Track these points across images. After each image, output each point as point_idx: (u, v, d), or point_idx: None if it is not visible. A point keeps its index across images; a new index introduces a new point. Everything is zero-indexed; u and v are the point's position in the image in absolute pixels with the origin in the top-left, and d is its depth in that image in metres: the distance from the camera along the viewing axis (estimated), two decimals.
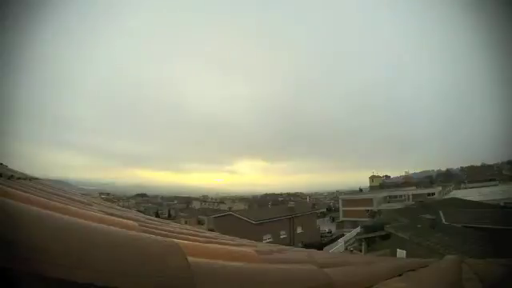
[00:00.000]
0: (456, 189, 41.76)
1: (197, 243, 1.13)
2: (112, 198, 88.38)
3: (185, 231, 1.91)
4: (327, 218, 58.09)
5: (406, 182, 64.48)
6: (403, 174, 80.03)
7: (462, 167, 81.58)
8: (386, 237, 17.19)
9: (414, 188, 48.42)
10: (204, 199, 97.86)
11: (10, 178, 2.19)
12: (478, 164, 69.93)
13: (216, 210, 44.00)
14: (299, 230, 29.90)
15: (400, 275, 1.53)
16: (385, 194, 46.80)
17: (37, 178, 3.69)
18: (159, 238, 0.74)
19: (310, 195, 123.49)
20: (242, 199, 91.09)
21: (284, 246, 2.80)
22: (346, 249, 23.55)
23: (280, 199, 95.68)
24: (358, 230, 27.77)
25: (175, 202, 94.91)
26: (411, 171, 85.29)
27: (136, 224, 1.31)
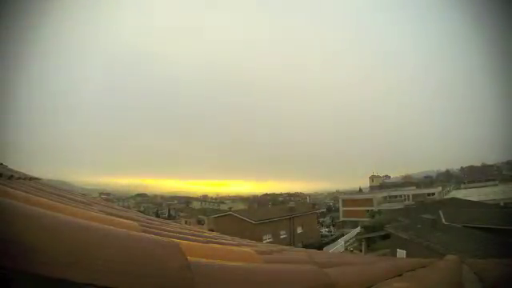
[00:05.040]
0: (456, 189, 41.79)
1: (197, 243, 1.13)
2: (112, 198, 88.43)
3: (185, 231, 1.91)
4: (327, 218, 57.70)
5: (406, 182, 64.48)
6: (403, 174, 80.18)
7: (462, 167, 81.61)
8: (386, 237, 17.20)
9: (413, 188, 48.43)
10: (204, 199, 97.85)
11: (10, 178, 2.19)
12: (478, 164, 69.94)
13: (216, 210, 43.97)
14: (299, 230, 29.88)
15: (400, 275, 1.53)
16: (385, 194, 46.80)
17: (37, 178, 3.68)
18: (159, 238, 0.74)
19: (310, 195, 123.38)
20: (241, 199, 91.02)
21: (284, 246, 2.80)
22: (346, 249, 23.56)
23: (280, 199, 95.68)
24: (358, 229, 27.79)
25: (175, 201, 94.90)
26: (411, 171, 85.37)
27: (136, 224, 1.31)
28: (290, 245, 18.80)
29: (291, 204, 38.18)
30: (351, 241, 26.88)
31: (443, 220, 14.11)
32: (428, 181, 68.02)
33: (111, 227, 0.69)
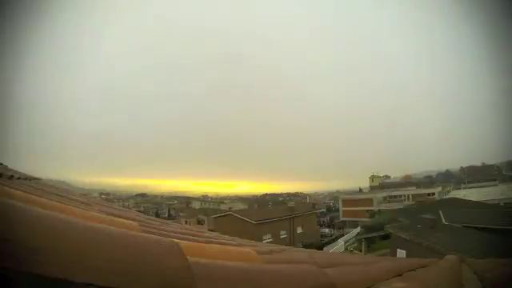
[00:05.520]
0: (456, 189, 41.80)
1: (197, 243, 1.13)
2: (112, 198, 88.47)
3: (185, 231, 1.91)
4: (327, 218, 57.43)
5: (406, 182, 64.41)
6: (403, 174, 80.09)
7: (461, 167, 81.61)
8: (386, 237, 17.21)
9: (413, 188, 48.41)
10: (204, 199, 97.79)
11: (10, 178, 2.19)
12: (478, 164, 69.88)
13: (216, 210, 43.94)
14: (299, 230, 29.88)
15: (400, 275, 1.53)
16: (385, 194, 46.78)
17: (37, 178, 3.68)
18: (159, 237, 0.74)
19: (310, 195, 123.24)
20: (241, 199, 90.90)
21: (284, 246, 2.80)
22: (346, 249, 23.57)
23: (280, 199, 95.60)
24: (358, 230, 27.80)
25: (175, 201, 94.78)
26: (411, 171, 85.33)
27: (136, 224, 1.31)
28: (290, 245, 18.79)
29: (291, 204, 38.11)
30: (351, 241, 26.88)
31: (443, 220, 14.11)
32: (428, 181, 68.00)
33: (111, 227, 0.69)
